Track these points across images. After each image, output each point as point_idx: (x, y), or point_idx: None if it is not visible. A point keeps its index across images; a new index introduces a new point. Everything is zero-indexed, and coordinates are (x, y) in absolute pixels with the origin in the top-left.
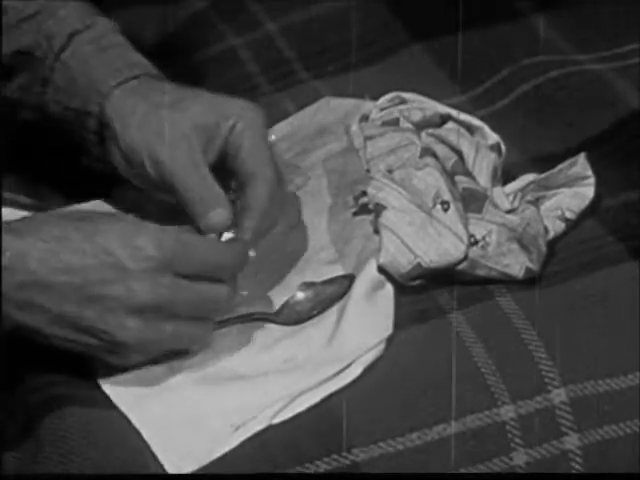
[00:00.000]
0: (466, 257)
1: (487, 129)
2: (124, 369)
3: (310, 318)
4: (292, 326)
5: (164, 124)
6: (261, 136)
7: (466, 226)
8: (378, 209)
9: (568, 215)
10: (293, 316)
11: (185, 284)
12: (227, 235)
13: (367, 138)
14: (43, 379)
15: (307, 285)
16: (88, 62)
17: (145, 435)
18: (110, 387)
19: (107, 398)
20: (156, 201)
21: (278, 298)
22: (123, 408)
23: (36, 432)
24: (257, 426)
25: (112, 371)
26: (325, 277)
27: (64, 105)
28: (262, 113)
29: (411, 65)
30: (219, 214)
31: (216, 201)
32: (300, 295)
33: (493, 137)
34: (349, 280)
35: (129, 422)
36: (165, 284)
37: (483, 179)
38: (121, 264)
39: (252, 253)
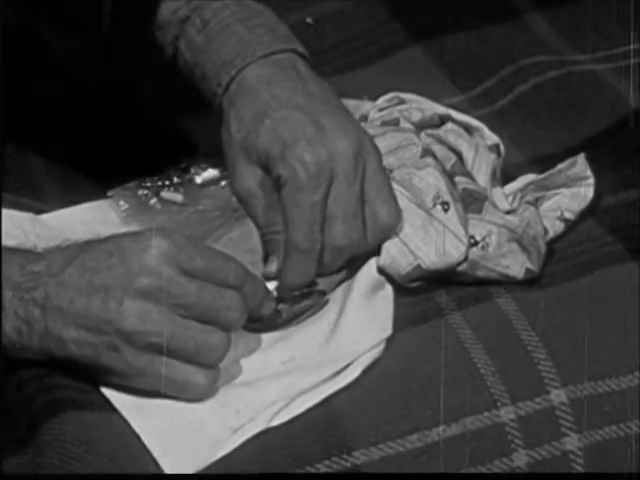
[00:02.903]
0: (466, 258)
1: (486, 130)
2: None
3: (279, 329)
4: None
5: (237, 155)
6: (299, 195)
7: (466, 227)
8: None
9: (567, 216)
10: (263, 324)
11: (186, 280)
12: (273, 282)
13: None
14: (44, 383)
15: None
16: (199, 55)
17: (144, 439)
18: (110, 391)
19: (107, 402)
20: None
21: None
22: (123, 412)
23: (37, 437)
24: (255, 428)
25: None
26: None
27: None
28: (318, 167)
29: (410, 65)
30: (269, 263)
31: (274, 248)
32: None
33: (492, 137)
34: (322, 295)
35: (129, 426)
36: (167, 274)
37: (482, 180)
38: (123, 250)
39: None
